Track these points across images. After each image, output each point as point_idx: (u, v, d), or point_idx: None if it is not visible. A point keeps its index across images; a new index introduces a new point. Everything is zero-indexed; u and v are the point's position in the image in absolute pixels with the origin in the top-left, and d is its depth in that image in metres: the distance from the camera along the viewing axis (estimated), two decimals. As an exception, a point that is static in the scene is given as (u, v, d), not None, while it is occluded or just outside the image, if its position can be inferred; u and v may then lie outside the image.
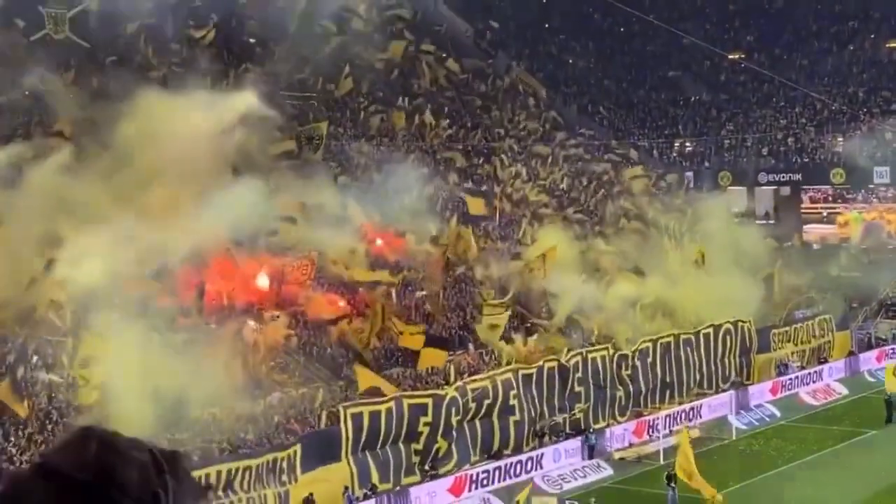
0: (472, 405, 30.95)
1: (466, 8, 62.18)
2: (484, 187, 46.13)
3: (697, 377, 39.76)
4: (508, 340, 36.11)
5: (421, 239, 39.05)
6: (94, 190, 31.57)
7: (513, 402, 32.37)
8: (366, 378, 31.24)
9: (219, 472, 25.74)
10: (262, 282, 31.61)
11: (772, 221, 57.85)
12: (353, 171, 42.37)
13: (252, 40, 46.26)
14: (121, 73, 38.02)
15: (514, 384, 32.53)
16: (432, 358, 33.85)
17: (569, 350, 35.30)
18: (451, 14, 60.08)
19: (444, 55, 53.86)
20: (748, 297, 43.48)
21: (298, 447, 27.48)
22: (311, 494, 27.32)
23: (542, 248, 40.69)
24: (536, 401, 33.38)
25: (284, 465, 27.36)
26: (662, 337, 38.58)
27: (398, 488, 29.36)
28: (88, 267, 28.55)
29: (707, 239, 47.26)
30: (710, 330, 40.50)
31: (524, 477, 31.96)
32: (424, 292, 35.78)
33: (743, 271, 45.24)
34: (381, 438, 29.49)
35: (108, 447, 1.73)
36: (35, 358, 27.88)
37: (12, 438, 25.60)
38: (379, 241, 38.10)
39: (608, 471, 33.99)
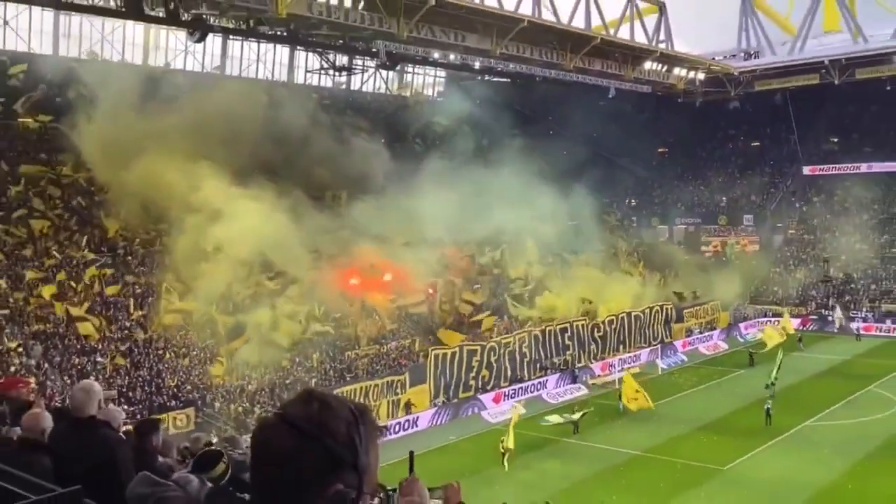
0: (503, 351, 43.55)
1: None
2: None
3: (639, 337, 50.70)
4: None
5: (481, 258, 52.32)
6: None
7: (525, 350, 44.57)
8: (449, 336, 45.45)
9: (356, 389, 37.22)
10: (387, 277, 45.99)
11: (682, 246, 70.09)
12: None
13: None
14: None
15: (528, 339, 45.09)
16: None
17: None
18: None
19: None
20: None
21: (407, 374, 40.48)
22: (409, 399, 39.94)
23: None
24: (542, 349, 45.59)
25: (398, 385, 39.80)
26: (622, 312, 49.64)
27: (456, 399, 40.35)
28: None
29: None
30: (648, 309, 50.88)
31: (535, 393, 41.89)
32: (479, 285, 50.76)
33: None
34: (451, 369, 40.66)
35: (325, 406, 1.95)
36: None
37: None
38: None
39: (585, 391, 43.58)
